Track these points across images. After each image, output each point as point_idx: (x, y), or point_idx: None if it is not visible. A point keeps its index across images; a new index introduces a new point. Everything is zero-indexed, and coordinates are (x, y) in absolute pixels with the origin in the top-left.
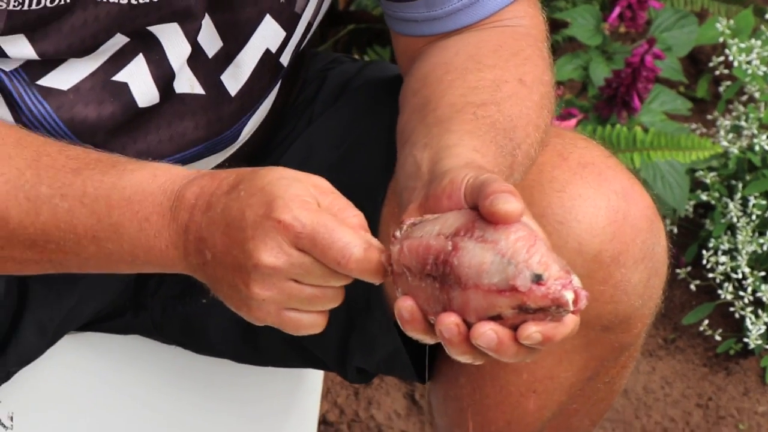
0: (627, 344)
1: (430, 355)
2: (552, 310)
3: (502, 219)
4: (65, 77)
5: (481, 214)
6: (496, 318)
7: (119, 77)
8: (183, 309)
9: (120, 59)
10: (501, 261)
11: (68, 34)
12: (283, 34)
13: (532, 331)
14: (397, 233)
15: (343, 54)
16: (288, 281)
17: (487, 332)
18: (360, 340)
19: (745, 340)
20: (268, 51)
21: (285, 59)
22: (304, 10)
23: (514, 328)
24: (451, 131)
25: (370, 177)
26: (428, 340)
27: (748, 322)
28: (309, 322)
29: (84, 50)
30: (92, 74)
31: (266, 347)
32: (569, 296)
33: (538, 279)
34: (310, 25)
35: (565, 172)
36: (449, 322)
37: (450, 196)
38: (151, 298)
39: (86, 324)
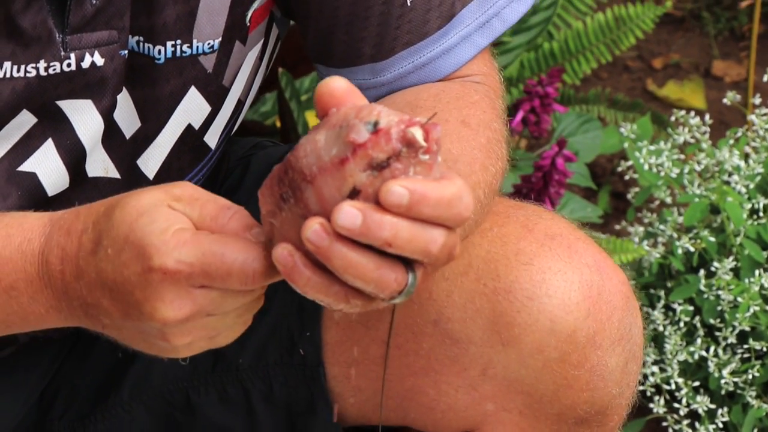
0: None
1: None
2: (404, 154)
3: (327, 95)
4: None
5: None
6: (355, 195)
7: (26, 167)
8: (95, 428)
9: (27, 146)
10: (332, 132)
11: None
12: (208, 109)
13: (393, 186)
14: None
15: (264, 139)
16: (205, 318)
17: (345, 208)
18: None
19: None
20: (189, 127)
21: (212, 140)
22: (232, 84)
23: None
24: None
25: None
26: (330, 300)
27: None
28: (241, 330)
29: None
30: None
31: None
32: (416, 132)
33: (375, 126)
34: (240, 103)
35: (531, 243)
36: (312, 223)
37: None
38: (59, 421)
39: None
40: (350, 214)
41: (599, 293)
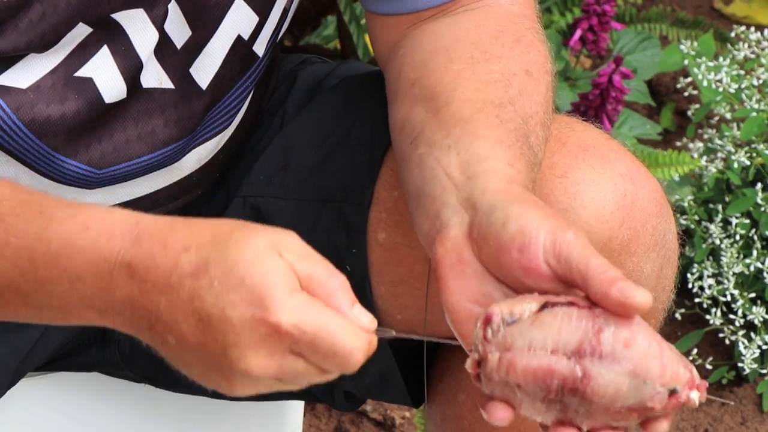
0: None
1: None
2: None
3: (631, 311)
4: (24, 75)
5: (601, 304)
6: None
7: (83, 72)
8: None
9: (83, 53)
10: (636, 383)
11: (26, 30)
12: (256, 19)
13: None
14: (489, 333)
15: (312, 55)
16: (277, 381)
17: None
18: None
19: (739, 365)
20: (239, 38)
21: (259, 48)
22: None
23: None
24: (479, 137)
25: (355, 177)
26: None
27: (740, 347)
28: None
29: (44, 45)
30: (53, 70)
31: None
32: (695, 396)
33: (672, 393)
34: (285, 12)
35: (565, 156)
36: None
37: (522, 250)
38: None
39: (46, 362)
40: None
41: (633, 201)
